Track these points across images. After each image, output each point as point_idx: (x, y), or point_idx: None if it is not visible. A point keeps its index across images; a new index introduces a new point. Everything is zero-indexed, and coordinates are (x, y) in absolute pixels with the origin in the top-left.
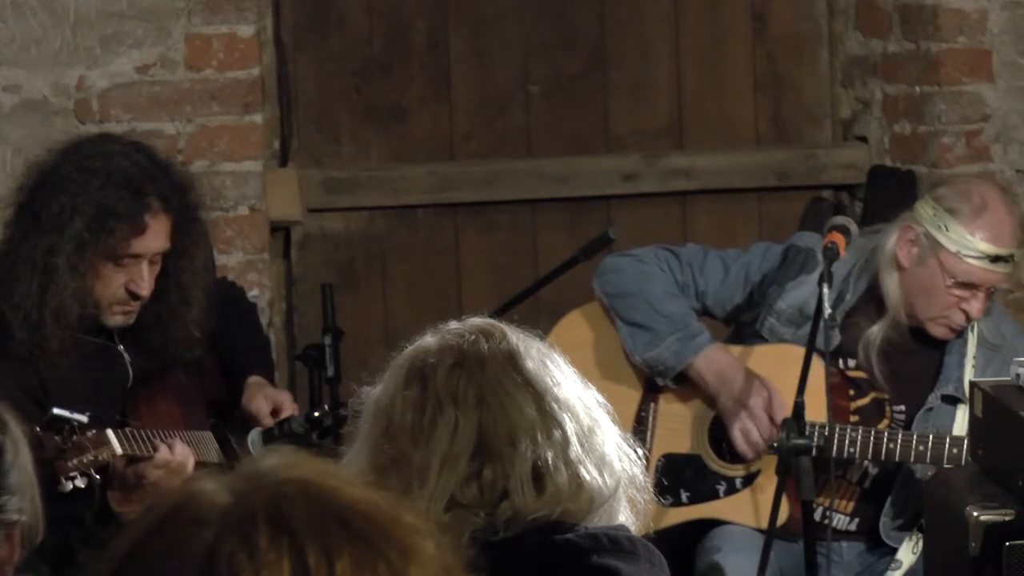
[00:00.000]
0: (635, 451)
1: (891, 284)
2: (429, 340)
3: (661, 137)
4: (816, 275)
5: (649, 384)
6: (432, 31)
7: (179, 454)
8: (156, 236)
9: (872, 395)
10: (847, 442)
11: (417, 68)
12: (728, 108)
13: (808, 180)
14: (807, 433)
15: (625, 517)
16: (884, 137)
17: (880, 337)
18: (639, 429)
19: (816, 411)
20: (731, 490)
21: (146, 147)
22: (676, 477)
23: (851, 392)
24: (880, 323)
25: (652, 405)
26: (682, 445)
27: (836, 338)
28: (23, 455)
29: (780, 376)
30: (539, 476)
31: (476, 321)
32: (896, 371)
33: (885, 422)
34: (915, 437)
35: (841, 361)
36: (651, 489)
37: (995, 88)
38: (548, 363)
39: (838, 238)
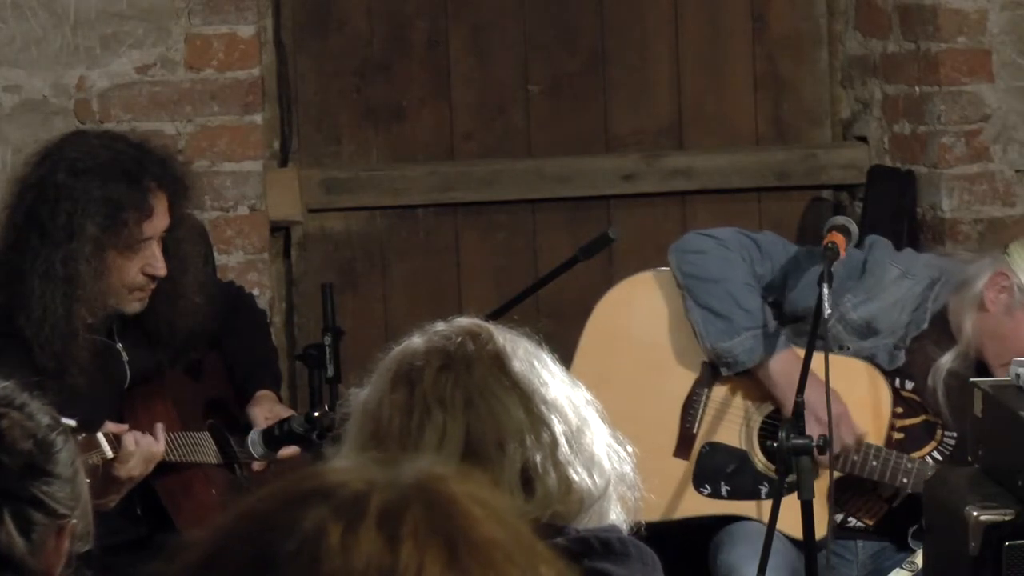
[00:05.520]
0: (625, 448)
1: (968, 322)
2: (416, 342)
3: (661, 137)
4: (890, 292)
5: (707, 368)
6: (432, 31)
7: (144, 445)
8: (161, 215)
9: (923, 417)
10: (901, 472)
11: (417, 68)
12: (728, 108)
13: (808, 180)
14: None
15: (616, 516)
16: (884, 137)
17: (948, 368)
18: (688, 411)
19: (874, 434)
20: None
21: (117, 134)
22: (718, 468)
23: (899, 410)
24: (949, 353)
25: (706, 390)
26: (730, 437)
27: (900, 358)
28: (77, 461)
29: (846, 393)
30: (528, 479)
31: (463, 322)
32: (955, 404)
33: (933, 444)
34: None
35: (898, 381)
36: (691, 474)
37: (995, 88)
38: (535, 363)
39: (838, 238)
